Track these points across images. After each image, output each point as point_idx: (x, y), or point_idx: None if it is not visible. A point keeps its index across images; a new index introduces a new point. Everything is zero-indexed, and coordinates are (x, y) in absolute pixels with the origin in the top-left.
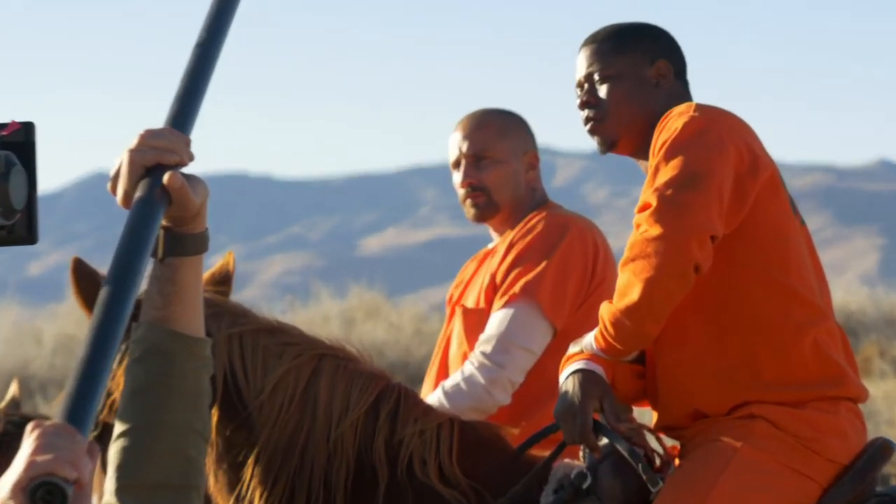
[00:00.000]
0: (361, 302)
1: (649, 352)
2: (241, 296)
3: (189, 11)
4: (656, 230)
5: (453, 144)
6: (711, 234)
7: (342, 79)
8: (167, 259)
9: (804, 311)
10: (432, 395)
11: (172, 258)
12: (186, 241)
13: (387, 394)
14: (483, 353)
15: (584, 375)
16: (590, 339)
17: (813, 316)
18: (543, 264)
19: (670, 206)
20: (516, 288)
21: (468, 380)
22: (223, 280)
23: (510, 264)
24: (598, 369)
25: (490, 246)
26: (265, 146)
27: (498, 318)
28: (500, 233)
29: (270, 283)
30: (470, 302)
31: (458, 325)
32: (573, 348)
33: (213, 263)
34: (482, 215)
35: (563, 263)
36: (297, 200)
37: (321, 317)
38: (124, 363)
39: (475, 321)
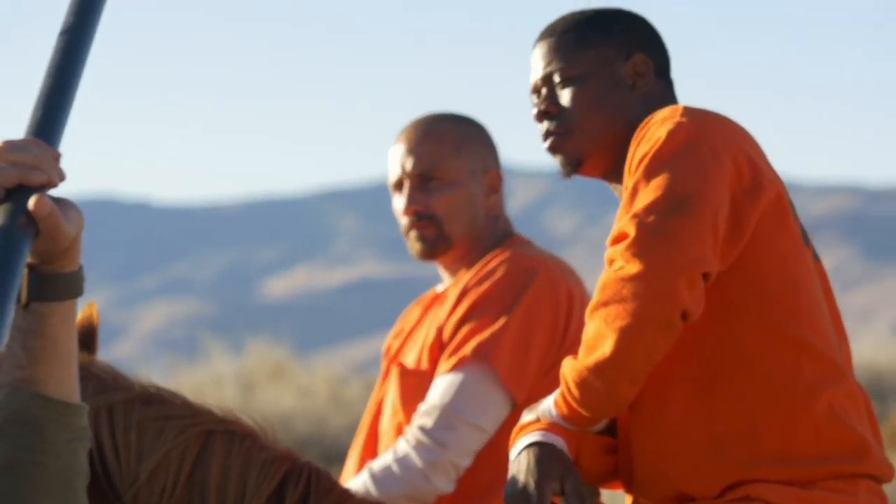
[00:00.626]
0: (263, 361)
1: (622, 419)
2: (111, 353)
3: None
4: (635, 267)
5: (394, 160)
6: (704, 271)
7: (237, 79)
8: (32, 305)
9: (817, 367)
10: (356, 479)
11: (39, 304)
12: (56, 283)
13: (293, 477)
14: (422, 429)
15: (542, 450)
16: (548, 405)
17: (828, 374)
18: (503, 320)
19: (653, 236)
20: (468, 348)
21: (402, 461)
22: (86, 339)
23: (462, 317)
24: (559, 442)
25: (439, 289)
26: (140, 162)
27: (443, 385)
28: (453, 272)
29: (148, 337)
30: (410, 360)
31: (393, 387)
32: (527, 416)
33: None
34: (431, 251)
35: (527, 319)
36: (181, 231)
37: (213, 379)
38: None
39: (415, 385)
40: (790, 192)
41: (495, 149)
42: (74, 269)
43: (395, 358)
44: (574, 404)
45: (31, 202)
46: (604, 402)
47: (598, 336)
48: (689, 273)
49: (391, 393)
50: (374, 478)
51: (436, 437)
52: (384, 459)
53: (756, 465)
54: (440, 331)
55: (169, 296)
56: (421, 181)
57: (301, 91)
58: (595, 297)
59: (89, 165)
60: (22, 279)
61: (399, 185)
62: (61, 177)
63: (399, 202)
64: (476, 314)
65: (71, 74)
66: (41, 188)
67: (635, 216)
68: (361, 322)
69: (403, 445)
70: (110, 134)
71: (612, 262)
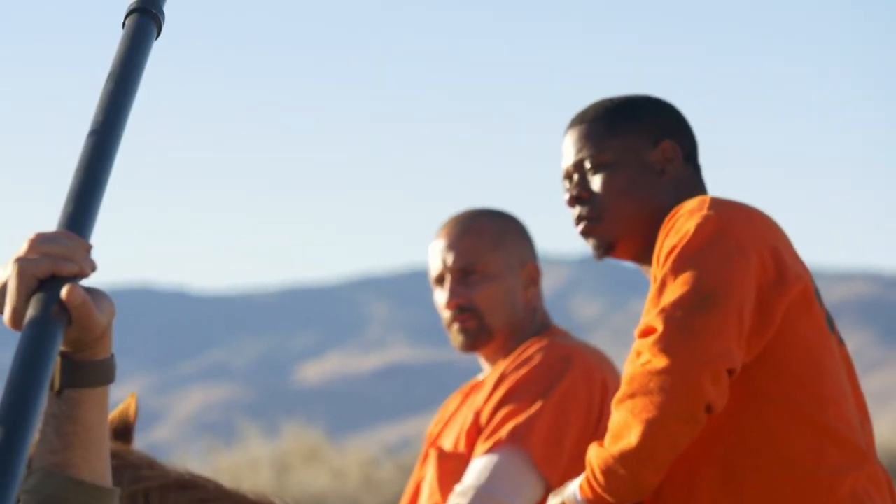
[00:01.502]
0: (298, 444)
1: (648, 502)
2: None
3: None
4: (661, 362)
5: (435, 256)
6: (728, 367)
7: (270, 169)
8: (65, 392)
9: (840, 452)
10: None
11: (71, 391)
12: (88, 370)
13: None
14: None
15: None
16: (574, 489)
17: (851, 458)
18: (538, 405)
19: (679, 332)
20: (503, 431)
21: None
22: (123, 431)
23: (498, 402)
24: None
25: (479, 378)
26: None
27: (479, 467)
28: (493, 362)
29: (186, 422)
30: (448, 444)
31: (431, 470)
32: (553, 500)
33: (113, 397)
34: (473, 343)
35: (562, 405)
36: (218, 319)
37: (248, 462)
38: None
39: (452, 468)
40: (813, 278)
41: (532, 243)
42: (106, 357)
43: (434, 442)
44: (599, 490)
45: (64, 292)
46: (628, 489)
47: (625, 426)
48: (713, 368)
49: (429, 475)
50: None
51: None
52: None
53: None
54: (478, 415)
55: (206, 381)
56: (462, 275)
57: (333, 180)
58: (622, 388)
59: (126, 256)
60: (55, 367)
61: (441, 280)
62: (93, 267)
63: (441, 296)
64: (513, 399)
65: (101, 170)
66: (73, 278)
67: (663, 311)
68: (393, 406)
69: None
70: (146, 224)
71: (639, 354)
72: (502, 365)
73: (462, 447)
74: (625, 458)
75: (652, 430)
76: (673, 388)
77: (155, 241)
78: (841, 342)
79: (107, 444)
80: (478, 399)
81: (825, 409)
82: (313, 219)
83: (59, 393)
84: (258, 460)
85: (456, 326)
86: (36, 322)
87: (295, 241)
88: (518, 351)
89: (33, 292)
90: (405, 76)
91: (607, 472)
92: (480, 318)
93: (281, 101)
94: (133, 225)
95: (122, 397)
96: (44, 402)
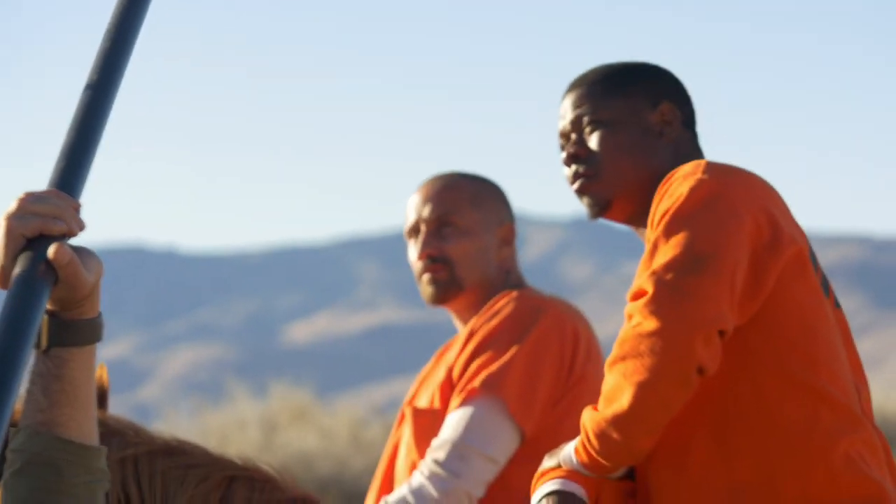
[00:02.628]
0: (286, 403)
1: (640, 467)
2: (139, 396)
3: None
4: (652, 324)
5: (411, 209)
6: (720, 328)
7: (260, 130)
8: (52, 350)
9: (834, 416)
10: None
11: (59, 349)
12: (76, 329)
13: None
14: (435, 461)
15: (561, 498)
16: (569, 452)
17: (845, 422)
18: (510, 353)
19: (670, 294)
20: (476, 382)
21: (417, 492)
22: (98, 399)
23: (470, 354)
24: (579, 490)
25: (453, 338)
26: (167, 211)
27: (454, 419)
28: (464, 321)
29: (174, 381)
30: (423, 402)
31: (407, 428)
32: (548, 462)
33: (102, 355)
34: (442, 294)
35: (534, 353)
36: (207, 279)
37: (237, 421)
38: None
39: (428, 424)
40: (809, 242)
41: (510, 206)
42: (94, 316)
43: (410, 402)
44: (593, 453)
45: (51, 251)
46: (622, 452)
47: (617, 389)
48: (705, 331)
49: (406, 433)
50: None
51: (449, 468)
52: (400, 492)
53: None
54: (450, 370)
55: (195, 341)
56: (437, 227)
57: (323, 141)
58: (614, 351)
59: (118, 215)
60: (42, 325)
61: (415, 231)
62: (81, 227)
63: (414, 248)
64: (484, 350)
65: (93, 129)
66: (61, 237)
67: (654, 273)
68: (382, 366)
69: (418, 478)
70: (138, 184)
71: (630, 317)
72: (473, 321)
73: (437, 403)
74: (617, 421)
75: (644, 392)
76: (664, 350)
77: (146, 201)
78: (837, 306)
79: (94, 403)
80: (450, 355)
81: (819, 373)
82: (303, 180)
83: (47, 351)
84: (246, 420)
85: (426, 277)
86: (22, 280)
87: (285, 201)
88: (488, 305)
89: (21, 251)
90: (397, 40)
91: (601, 435)
92: (452, 269)
93: (273, 63)
94: (125, 184)
95: (111, 355)
96: (29, 360)
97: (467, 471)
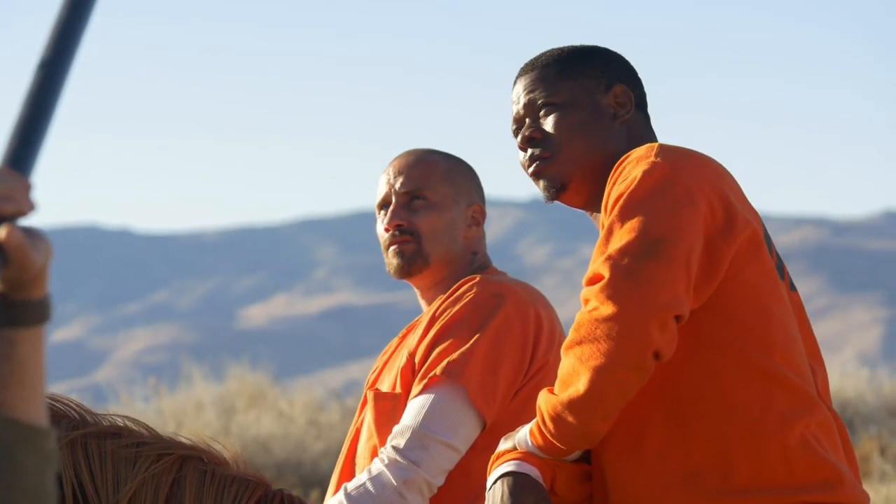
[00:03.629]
0: (243, 386)
1: (596, 451)
2: (94, 378)
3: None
4: (608, 309)
5: (383, 182)
6: (676, 313)
7: (217, 110)
8: (1, 332)
9: (789, 399)
10: (332, 500)
11: (7, 330)
12: (24, 310)
13: (266, 502)
14: (395, 448)
15: (517, 480)
16: (524, 434)
17: (800, 405)
18: (472, 340)
19: (626, 279)
20: (438, 369)
21: (376, 480)
22: None
23: (432, 340)
24: (534, 472)
25: (415, 320)
26: (121, 191)
27: (415, 406)
28: (428, 300)
29: (130, 363)
30: (384, 386)
31: (368, 412)
32: (504, 444)
33: (57, 338)
34: (407, 267)
35: (496, 341)
36: (162, 259)
37: (193, 404)
38: None
39: (389, 409)
40: (764, 224)
41: (481, 188)
42: (42, 296)
43: (371, 385)
44: (549, 436)
45: (1, 233)
46: (577, 436)
47: (573, 373)
48: (661, 316)
49: (367, 418)
50: (350, 498)
51: (409, 456)
52: (359, 479)
53: (729, 496)
54: (412, 355)
55: (150, 323)
56: (407, 199)
57: (280, 123)
58: (570, 335)
59: (72, 194)
60: None
61: (386, 204)
62: (32, 207)
63: (382, 221)
64: (446, 337)
65: (47, 106)
66: (11, 218)
67: (609, 258)
68: (339, 349)
69: (378, 465)
70: (93, 163)
71: (586, 302)
72: (436, 304)
73: (398, 388)
74: (573, 405)
75: (600, 377)
76: (620, 335)
77: (102, 181)
78: (792, 289)
79: (44, 384)
80: (412, 339)
81: (773, 356)
82: (261, 161)
83: None
84: (203, 402)
85: (393, 249)
86: None
87: (241, 182)
88: (451, 289)
89: None
90: (354, 20)
91: (556, 418)
92: (419, 242)
93: (227, 44)
94: (81, 164)
95: (65, 337)
96: None
97: (427, 459)
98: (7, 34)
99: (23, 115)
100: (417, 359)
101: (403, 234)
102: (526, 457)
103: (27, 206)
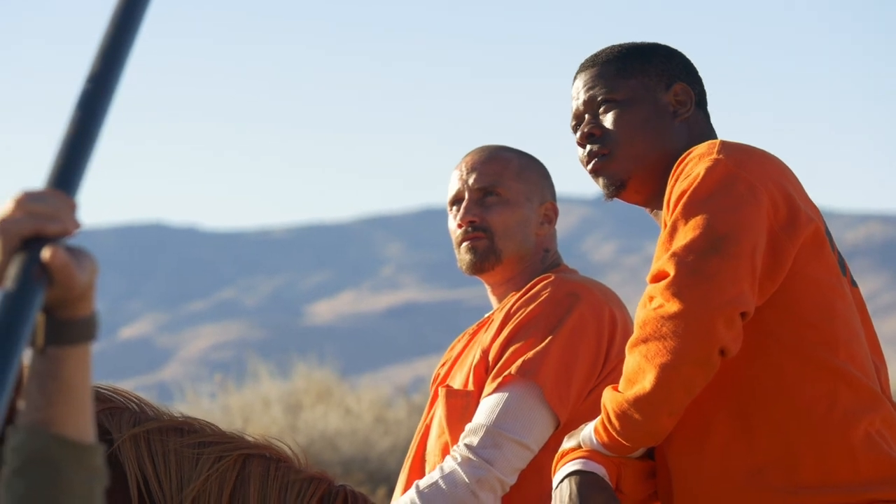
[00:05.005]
0: (310, 383)
1: (660, 448)
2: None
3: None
4: (674, 306)
5: (455, 178)
6: (741, 310)
7: (285, 108)
8: (48, 350)
9: (853, 395)
10: (404, 497)
11: (54, 348)
12: (71, 328)
13: (330, 499)
14: (468, 447)
15: (583, 479)
16: (589, 432)
17: (865, 401)
18: (547, 340)
19: (691, 276)
20: (513, 368)
21: (449, 478)
22: None
23: (506, 339)
24: (600, 470)
25: (487, 315)
26: (188, 189)
27: (489, 404)
28: (500, 296)
29: (196, 360)
30: (456, 383)
31: (439, 409)
32: (568, 443)
33: (124, 335)
34: (480, 263)
35: (570, 340)
36: (229, 257)
37: (260, 401)
38: None
39: (461, 406)
40: (825, 220)
41: (553, 186)
42: (88, 315)
43: (442, 382)
44: (614, 434)
45: (46, 254)
46: (643, 433)
47: (639, 371)
48: (727, 313)
49: (438, 414)
50: (422, 495)
51: (482, 454)
52: (431, 477)
53: (794, 494)
54: (486, 353)
55: (217, 320)
56: (480, 195)
57: (349, 120)
58: (635, 332)
59: (139, 192)
60: (38, 324)
61: (458, 200)
62: (77, 226)
63: (454, 218)
64: (521, 336)
65: (93, 124)
66: (57, 237)
67: (675, 255)
68: (406, 345)
69: (450, 463)
70: (160, 161)
71: (652, 299)
72: (509, 301)
73: (471, 386)
74: (639, 402)
75: (666, 374)
76: (686, 332)
77: (168, 179)
78: (853, 285)
79: (90, 401)
80: (485, 337)
81: (837, 352)
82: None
83: (42, 351)
84: (269, 399)
85: (465, 245)
86: (18, 281)
87: (309, 179)
88: (525, 288)
89: (16, 251)
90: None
91: (622, 416)
92: (491, 238)
93: (298, 40)
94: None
95: (132, 335)
96: (21, 363)
97: (500, 458)
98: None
99: (69, 134)
100: (491, 357)
101: (476, 230)
102: (591, 455)
103: (72, 226)
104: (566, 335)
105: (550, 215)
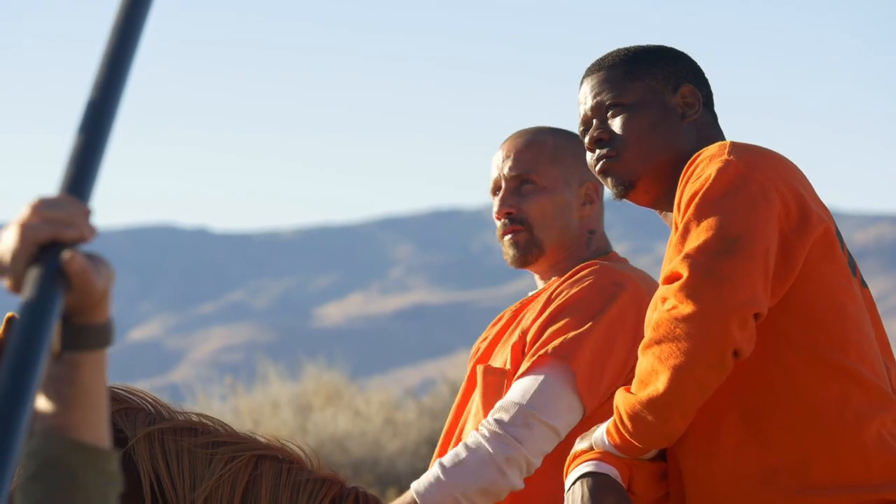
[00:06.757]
0: (319, 385)
1: (672, 449)
2: (171, 378)
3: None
4: (688, 308)
5: (494, 165)
6: (755, 311)
7: (294, 110)
8: (65, 355)
9: (865, 396)
10: (427, 474)
11: (71, 354)
12: (87, 334)
13: (341, 500)
14: (499, 422)
15: (596, 480)
16: (601, 434)
17: (876, 402)
18: (587, 326)
19: (705, 278)
20: (549, 348)
21: (477, 453)
22: None
23: (546, 319)
24: (613, 471)
25: (531, 294)
26: (198, 191)
27: (523, 384)
28: (546, 279)
29: (206, 362)
30: (495, 361)
31: (478, 387)
32: (580, 444)
33: (134, 337)
34: (524, 258)
35: (610, 330)
36: (239, 259)
37: (270, 403)
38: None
39: (497, 384)
40: (835, 221)
41: None
42: (104, 321)
43: (481, 359)
44: (626, 435)
45: (65, 258)
46: (656, 434)
47: (652, 372)
48: (740, 314)
49: (476, 392)
50: (446, 471)
51: (513, 432)
52: (457, 452)
53: (807, 495)
54: (524, 333)
55: (226, 322)
56: (517, 184)
57: (358, 121)
58: (648, 334)
59: (149, 194)
60: (54, 331)
61: (497, 189)
62: (93, 232)
63: (495, 206)
64: (561, 317)
65: (102, 131)
66: (73, 243)
67: (688, 257)
68: (415, 347)
69: (477, 438)
70: (170, 163)
71: (664, 300)
72: (554, 283)
73: (508, 364)
74: (652, 404)
75: (679, 376)
76: (700, 333)
77: (179, 181)
78: (864, 286)
79: (106, 406)
80: (527, 318)
81: (849, 353)
82: (337, 159)
83: (59, 356)
84: (279, 401)
85: (507, 240)
86: (37, 288)
87: (318, 181)
88: (571, 272)
89: (34, 258)
90: (437, 18)
91: (635, 417)
92: (531, 230)
93: (309, 42)
94: (158, 164)
95: (142, 337)
96: (44, 366)
97: (530, 438)
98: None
99: (79, 141)
100: (530, 337)
101: (514, 222)
102: (604, 456)
103: (88, 232)
104: (606, 324)
105: (592, 195)
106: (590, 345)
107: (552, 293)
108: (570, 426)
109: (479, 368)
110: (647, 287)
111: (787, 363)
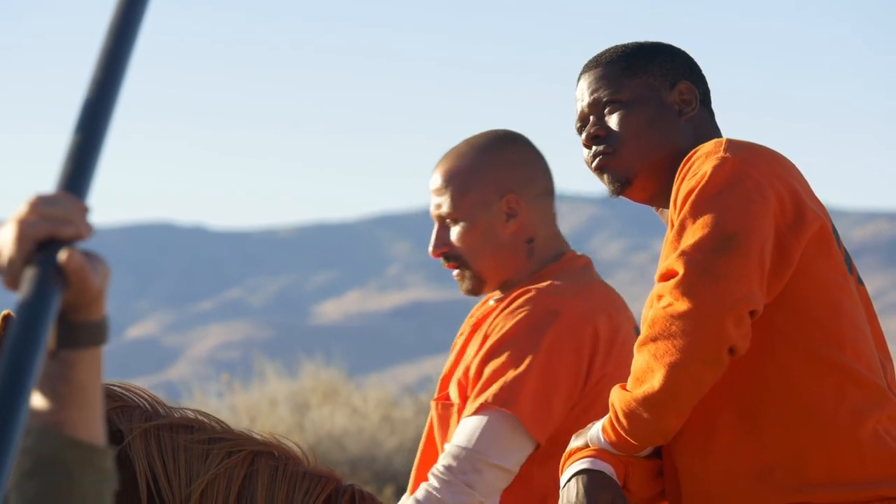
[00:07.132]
0: (316, 382)
1: (668, 447)
2: (168, 375)
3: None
4: (683, 305)
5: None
6: (751, 308)
7: (291, 108)
8: (60, 353)
9: (861, 393)
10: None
11: (67, 351)
12: (82, 332)
13: (337, 498)
14: (449, 469)
15: (591, 477)
16: (597, 431)
17: (872, 399)
18: (525, 364)
19: (701, 275)
20: (489, 395)
21: (430, 500)
22: None
23: (484, 357)
24: (608, 469)
25: (491, 303)
26: (195, 188)
27: (468, 428)
28: (504, 291)
29: (203, 359)
30: (449, 392)
31: (436, 422)
32: (575, 442)
33: (131, 335)
34: (474, 292)
35: (548, 363)
36: (236, 256)
37: (267, 400)
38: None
39: (447, 417)
40: (832, 218)
41: (519, 166)
42: (100, 319)
43: (440, 390)
44: (622, 432)
45: (63, 256)
46: (651, 432)
47: (647, 370)
48: (736, 311)
49: (435, 428)
50: None
51: (463, 479)
52: (414, 499)
53: (802, 491)
54: (467, 369)
55: (224, 319)
56: (442, 222)
57: (354, 120)
58: (644, 331)
59: (146, 192)
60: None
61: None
62: (90, 230)
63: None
64: (497, 354)
65: (99, 128)
66: (70, 241)
67: (684, 254)
68: (412, 345)
69: (429, 489)
70: (167, 160)
71: (660, 297)
72: (494, 309)
73: (455, 399)
74: (648, 401)
75: (675, 373)
76: (696, 330)
77: (176, 178)
78: (860, 283)
79: (101, 404)
80: (469, 350)
81: (844, 350)
82: (334, 158)
83: (55, 354)
84: (276, 399)
85: (455, 276)
86: (34, 285)
87: (315, 179)
88: (508, 300)
89: (31, 255)
90: (432, 17)
91: (630, 415)
92: (466, 265)
93: (305, 40)
94: (155, 161)
95: (140, 334)
96: (41, 363)
97: (481, 482)
98: (59, 50)
99: (76, 138)
100: (472, 375)
101: (449, 260)
102: (599, 454)
103: (85, 230)
104: (543, 358)
105: (514, 207)
106: (531, 384)
107: (492, 322)
108: (522, 460)
109: (433, 404)
110: (587, 308)
111: (783, 360)
